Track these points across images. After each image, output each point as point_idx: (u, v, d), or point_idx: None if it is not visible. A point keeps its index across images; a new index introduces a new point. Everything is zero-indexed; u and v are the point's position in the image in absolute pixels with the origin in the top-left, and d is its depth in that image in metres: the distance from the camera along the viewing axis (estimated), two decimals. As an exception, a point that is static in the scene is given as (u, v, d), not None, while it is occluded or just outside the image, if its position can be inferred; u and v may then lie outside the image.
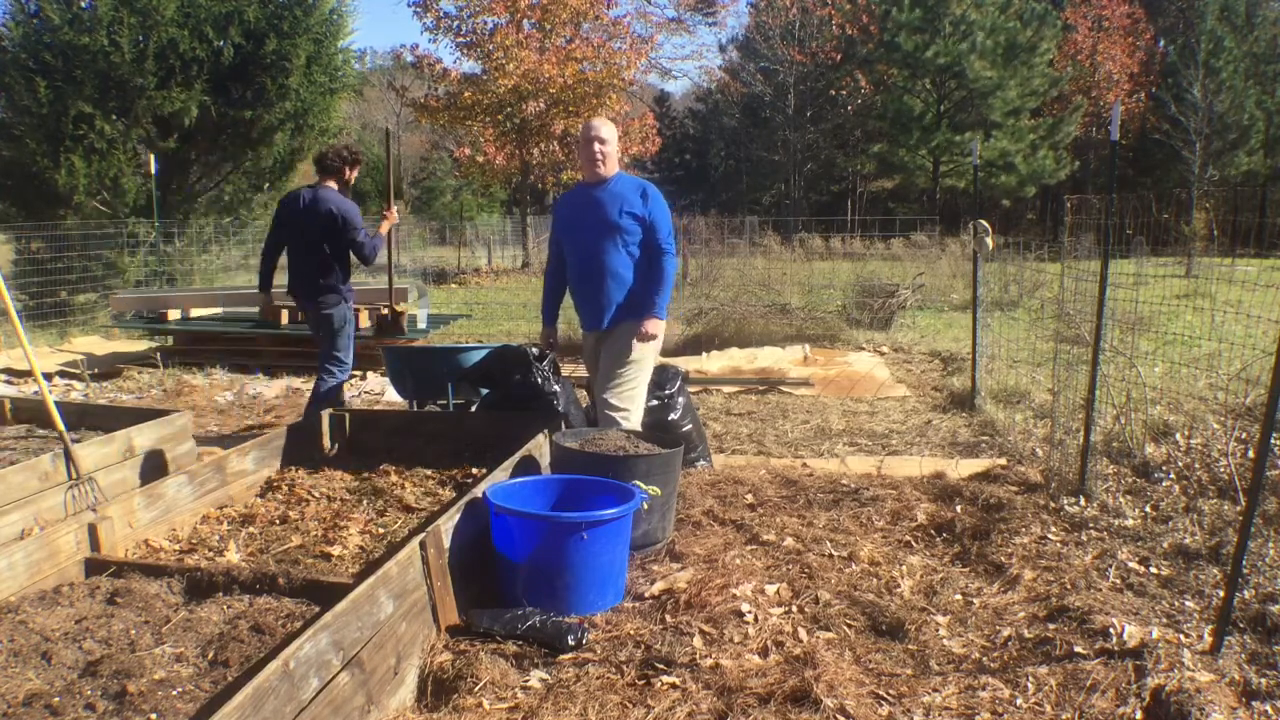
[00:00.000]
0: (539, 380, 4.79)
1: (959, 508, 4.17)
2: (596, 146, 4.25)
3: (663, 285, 4.32)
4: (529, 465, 3.95)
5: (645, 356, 4.39)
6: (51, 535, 3.06)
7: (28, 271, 11.09)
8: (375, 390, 7.47)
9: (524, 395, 4.83)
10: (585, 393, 5.25)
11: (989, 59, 28.26)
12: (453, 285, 18.76)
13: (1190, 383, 5.67)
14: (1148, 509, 4.09)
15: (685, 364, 7.72)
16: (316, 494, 4.10)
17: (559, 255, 4.62)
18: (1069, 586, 3.29)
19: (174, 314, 8.86)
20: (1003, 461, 5.05)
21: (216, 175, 13.84)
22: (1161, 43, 33.19)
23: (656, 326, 4.28)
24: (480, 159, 20.67)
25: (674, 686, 2.64)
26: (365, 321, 8.44)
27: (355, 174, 5.49)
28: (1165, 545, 3.66)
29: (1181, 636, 2.90)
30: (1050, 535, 3.83)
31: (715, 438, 5.83)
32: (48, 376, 7.70)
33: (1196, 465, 4.50)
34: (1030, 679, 2.69)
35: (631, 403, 4.34)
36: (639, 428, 4.36)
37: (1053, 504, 4.18)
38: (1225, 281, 7.77)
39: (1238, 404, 4.95)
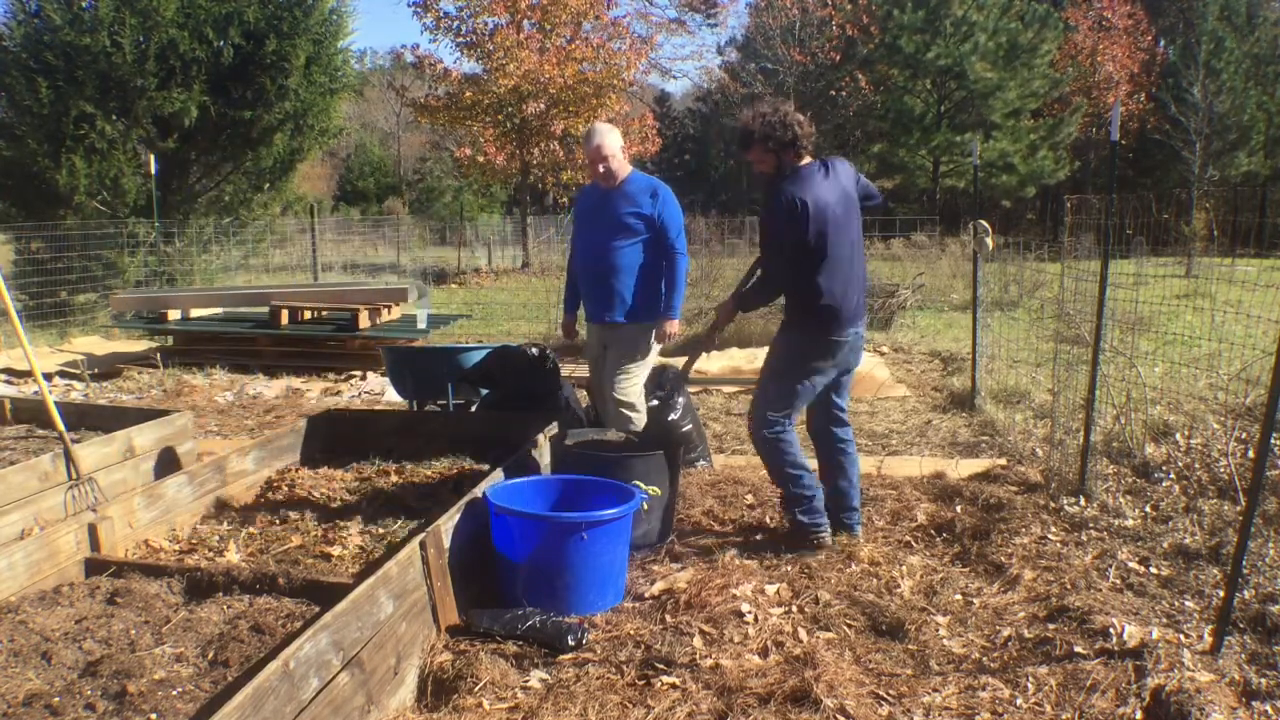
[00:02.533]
0: (539, 380, 4.80)
1: (959, 508, 4.17)
2: (601, 167, 4.31)
3: (676, 286, 4.38)
4: (529, 465, 3.95)
5: (651, 356, 4.46)
6: (51, 535, 3.06)
7: (28, 271, 11.08)
8: (375, 390, 7.47)
9: (524, 395, 4.84)
10: (585, 393, 5.25)
11: (990, 60, 28.24)
12: (453, 285, 18.76)
13: (1190, 383, 5.67)
14: (1148, 509, 4.09)
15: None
16: (316, 494, 4.10)
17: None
18: (1069, 586, 3.29)
19: (174, 314, 8.85)
20: (1003, 461, 5.05)
21: (216, 175, 13.83)
22: (1162, 43, 33.17)
23: (674, 327, 4.35)
24: (481, 159, 20.66)
25: (674, 686, 2.64)
26: (365, 321, 8.46)
27: None
28: (1165, 545, 3.66)
29: (1181, 636, 2.90)
30: (1050, 535, 3.83)
31: (715, 438, 5.83)
32: (48, 376, 7.70)
33: (1196, 465, 4.50)
34: (1030, 679, 2.69)
35: (637, 399, 4.40)
36: (643, 421, 4.41)
37: (1053, 504, 4.18)
38: (1225, 281, 7.77)
39: (1238, 404, 4.95)
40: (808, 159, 3.64)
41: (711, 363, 8.64)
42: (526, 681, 2.68)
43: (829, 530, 3.76)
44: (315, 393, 7.47)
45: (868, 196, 3.92)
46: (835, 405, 3.88)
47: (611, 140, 4.33)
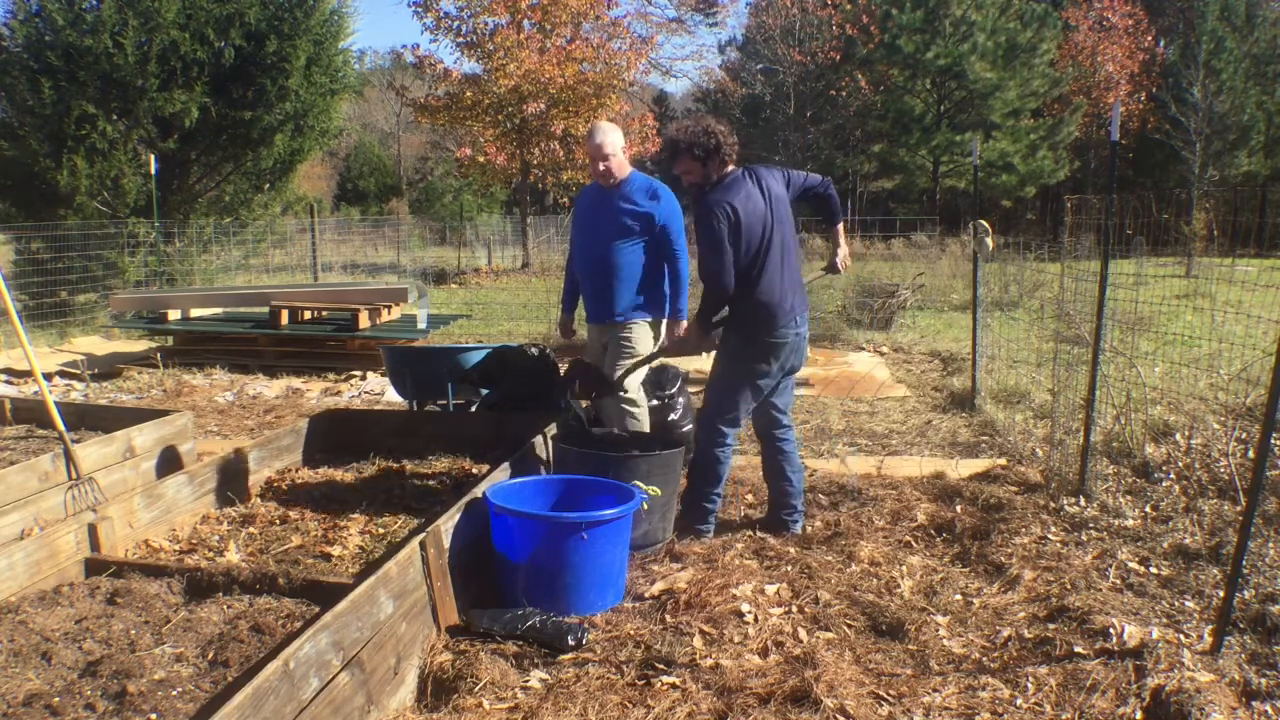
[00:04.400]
0: (539, 380, 4.79)
1: (959, 508, 4.17)
2: (602, 165, 4.31)
3: (681, 288, 4.42)
4: (529, 465, 3.95)
5: (649, 354, 4.45)
6: (51, 535, 3.06)
7: (28, 272, 11.08)
8: (375, 390, 7.47)
9: (524, 395, 4.84)
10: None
11: (989, 60, 28.25)
12: (453, 285, 18.75)
13: (1190, 383, 5.67)
14: (1148, 509, 4.09)
15: (685, 364, 7.71)
16: (316, 494, 4.10)
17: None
18: (1069, 586, 3.29)
19: (174, 314, 8.85)
20: (1003, 461, 5.05)
21: (217, 176, 13.83)
22: (1162, 43, 33.16)
23: (681, 328, 4.34)
24: (481, 159, 20.64)
25: (674, 686, 2.64)
26: (365, 321, 8.46)
27: None
28: (1165, 545, 3.66)
29: (1181, 636, 2.90)
30: (1050, 535, 3.83)
31: (715, 438, 5.82)
32: (48, 376, 7.70)
33: (1196, 465, 4.50)
34: (1030, 679, 2.69)
35: (638, 395, 4.42)
36: (645, 417, 4.40)
37: (1053, 504, 4.18)
38: (1225, 281, 7.77)
39: (1238, 404, 4.95)
40: (732, 167, 3.79)
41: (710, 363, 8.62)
42: (526, 681, 2.68)
43: (713, 529, 3.96)
44: (315, 393, 7.47)
45: (809, 187, 3.98)
46: (775, 408, 4.00)
47: (613, 139, 4.33)
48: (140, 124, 12.11)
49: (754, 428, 4.11)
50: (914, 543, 3.85)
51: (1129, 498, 4.22)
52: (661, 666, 2.74)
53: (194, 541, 3.56)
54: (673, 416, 4.75)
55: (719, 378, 3.92)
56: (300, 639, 2.19)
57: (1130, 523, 3.93)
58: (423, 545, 2.85)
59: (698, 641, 2.92)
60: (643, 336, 4.41)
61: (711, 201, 3.68)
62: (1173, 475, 4.44)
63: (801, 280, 3.93)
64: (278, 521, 3.78)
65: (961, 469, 4.93)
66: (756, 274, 3.70)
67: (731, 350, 3.85)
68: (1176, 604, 3.17)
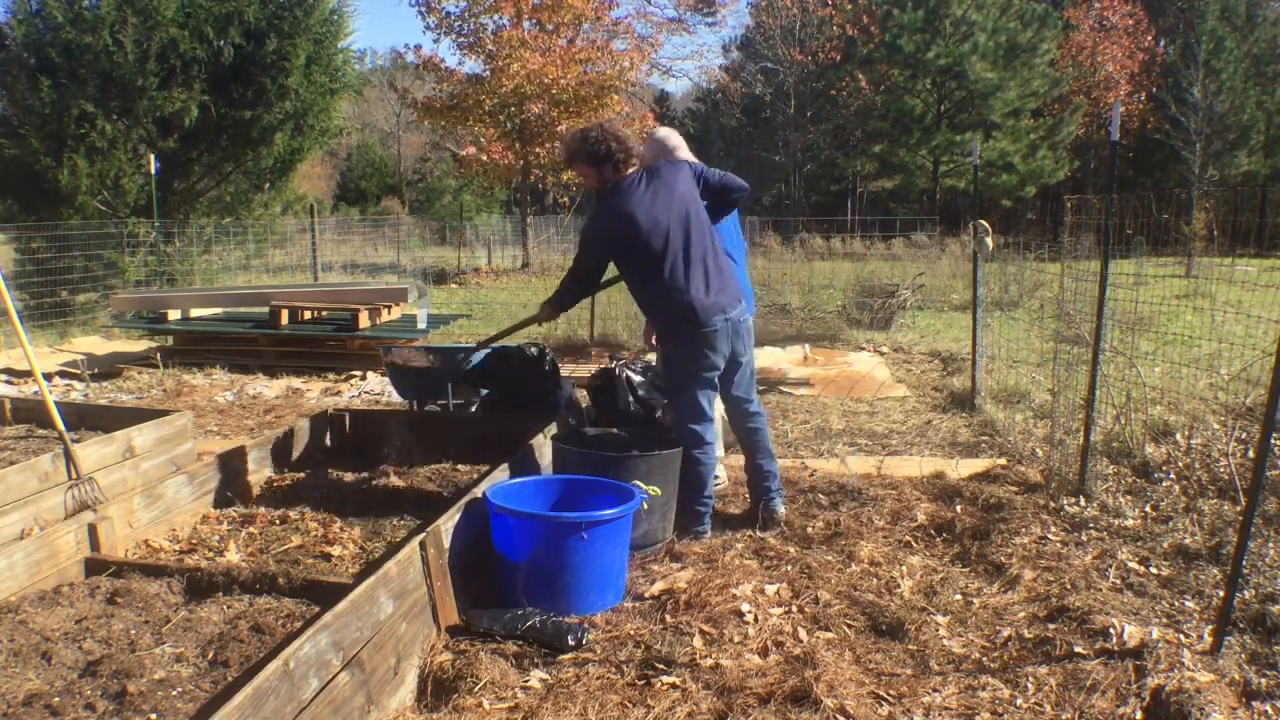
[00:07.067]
0: (539, 380, 4.79)
1: (959, 508, 4.17)
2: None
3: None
4: (529, 465, 3.95)
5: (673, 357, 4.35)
6: (51, 535, 3.06)
7: (29, 271, 11.08)
8: (375, 390, 7.47)
9: (524, 395, 4.84)
10: (585, 393, 5.24)
11: (989, 60, 28.26)
12: (453, 285, 18.74)
13: (1190, 383, 5.67)
14: (1148, 509, 4.09)
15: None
16: (316, 494, 4.10)
17: None
18: (1069, 586, 3.29)
19: (174, 314, 8.85)
20: (1003, 461, 5.05)
21: (217, 175, 13.83)
22: (1162, 43, 33.17)
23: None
24: (484, 159, 20.63)
25: (674, 686, 2.64)
26: (365, 321, 8.46)
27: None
28: (1165, 545, 3.66)
29: (1181, 636, 2.90)
30: (1050, 535, 3.83)
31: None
32: (48, 376, 7.70)
33: (1196, 465, 4.50)
34: (1030, 679, 2.69)
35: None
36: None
37: (1053, 504, 4.18)
38: (1225, 281, 7.77)
39: (1238, 404, 4.95)
40: (632, 170, 3.78)
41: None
42: (526, 681, 2.68)
43: (709, 530, 3.94)
44: (315, 393, 7.47)
45: (726, 186, 3.95)
46: (740, 399, 4.02)
47: (675, 140, 4.30)
48: (140, 123, 12.10)
49: (729, 422, 4.12)
50: (914, 543, 3.85)
51: (1129, 498, 4.22)
52: (661, 666, 2.75)
53: (194, 541, 3.56)
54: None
55: (670, 382, 3.98)
56: (300, 639, 2.19)
57: (1130, 523, 3.93)
58: (423, 545, 2.85)
59: (698, 641, 2.92)
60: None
61: (603, 210, 3.73)
62: (1173, 475, 4.43)
63: (729, 271, 3.87)
64: (278, 521, 3.78)
65: (961, 469, 4.92)
66: (665, 273, 3.69)
67: (670, 353, 3.92)
68: (1176, 604, 3.17)
